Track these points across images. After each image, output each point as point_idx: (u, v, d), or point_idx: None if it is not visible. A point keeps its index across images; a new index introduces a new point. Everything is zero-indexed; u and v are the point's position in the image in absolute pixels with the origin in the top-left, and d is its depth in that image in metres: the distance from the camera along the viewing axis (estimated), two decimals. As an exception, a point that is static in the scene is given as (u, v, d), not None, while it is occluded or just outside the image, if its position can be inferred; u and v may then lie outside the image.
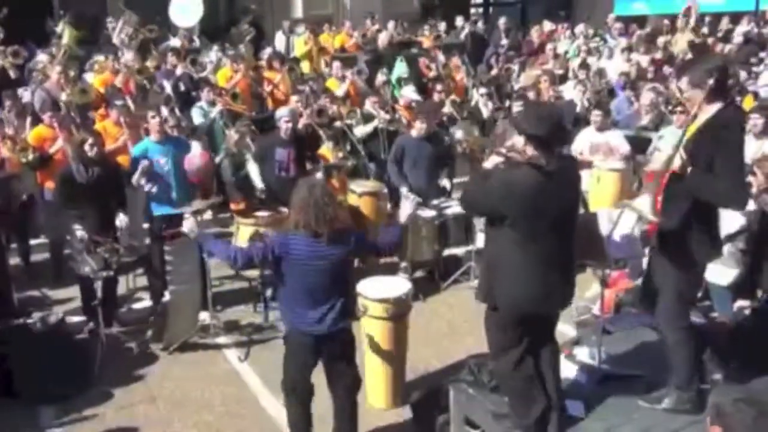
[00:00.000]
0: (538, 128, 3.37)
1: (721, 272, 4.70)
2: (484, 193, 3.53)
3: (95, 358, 5.21)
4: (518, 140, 3.47)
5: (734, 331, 4.45)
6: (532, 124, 3.40)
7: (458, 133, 6.47)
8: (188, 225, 4.23)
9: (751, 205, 4.70)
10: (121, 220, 5.81)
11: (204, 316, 5.78)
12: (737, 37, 13.11)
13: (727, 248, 4.74)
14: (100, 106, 7.94)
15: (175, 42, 10.95)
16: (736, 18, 14.03)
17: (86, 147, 5.65)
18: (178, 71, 9.34)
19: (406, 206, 4.27)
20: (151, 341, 5.65)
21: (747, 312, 4.60)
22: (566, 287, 3.56)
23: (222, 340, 5.73)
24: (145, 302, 6.33)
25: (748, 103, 8.39)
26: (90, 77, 8.99)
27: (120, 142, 6.89)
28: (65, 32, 9.70)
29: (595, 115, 7.49)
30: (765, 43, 12.87)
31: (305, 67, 11.13)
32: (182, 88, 9.13)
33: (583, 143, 7.53)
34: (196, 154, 6.18)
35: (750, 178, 4.70)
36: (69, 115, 7.40)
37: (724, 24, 13.93)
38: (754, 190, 4.71)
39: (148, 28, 10.44)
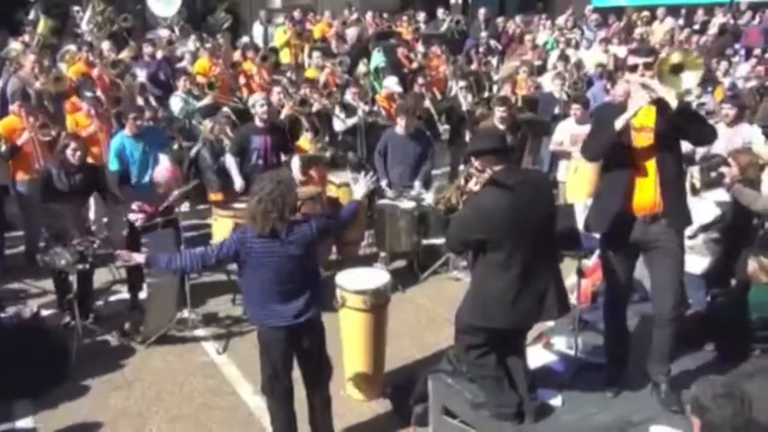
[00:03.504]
0: (482, 144, 3.57)
1: (695, 262, 4.77)
2: (459, 225, 3.62)
3: (71, 352, 5.16)
4: (476, 164, 3.57)
5: (708, 319, 4.51)
6: (477, 144, 3.62)
7: (429, 196, 6.56)
8: (128, 259, 4.15)
9: (726, 196, 4.77)
10: (93, 212, 5.76)
11: (182, 309, 5.73)
12: (712, 28, 13.27)
13: (701, 238, 4.82)
14: (72, 95, 7.82)
15: (162, 32, 10.83)
16: (710, 9, 14.19)
17: (68, 153, 5.53)
18: (159, 55, 9.24)
19: (361, 184, 4.34)
20: (128, 334, 5.60)
21: (720, 300, 4.66)
22: (546, 303, 3.54)
23: (200, 332, 5.70)
24: (123, 295, 6.27)
25: (718, 93, 8.51)
26: (62, 67, 8.84)
27: (86, 133, 6.77)
28: (40, 21, 9.54)
29: (575, 108, 7.55)
30: (740, 34, 13.05)
31: (284, 56, 11.06)
32: (162, 77, 9.04)
33: (563, 134, 7.59)
34: (163, 168, 6.13)
35: (724, 169, 4.76)
36: (40, 104, 7.29)
37: (700, 15, 14.09)
38: (727, 180, 4.78)
39: (122, 17, 10.30)
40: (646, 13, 13.68)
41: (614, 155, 3.58)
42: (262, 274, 3.69)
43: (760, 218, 5.04)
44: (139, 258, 4.09)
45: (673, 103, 3.41)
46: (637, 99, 3.47)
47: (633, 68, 3.61)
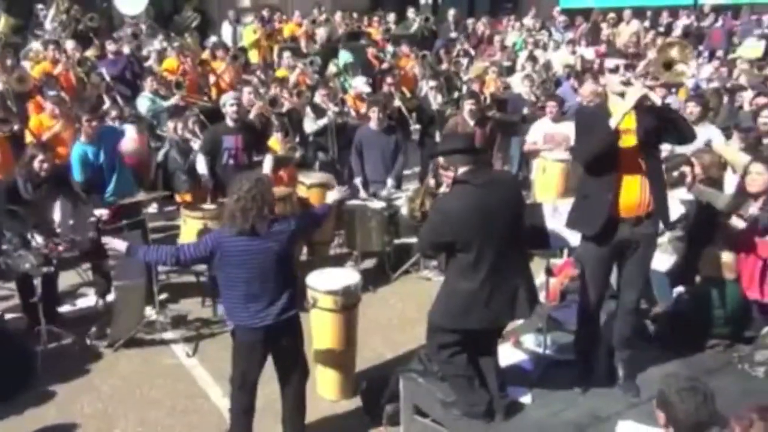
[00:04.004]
0: (450, 144, 3.63)
1: (660, 259, 4.85)
2: (429, 229, 3.65)
3: (36, 357, 5.06)
4: (443, 164, 3.61)
5: (673, 315, 4.60)
6: (445, 144, 3.71)
7: (403, 209, 6.61)
8: (113, 245, 4.10)
9: (690, 195, 4.87)
10: (59, 214, 5.63)
11: (150, 311, 5.67)
12: (677, 30, 13.54)
13: (666, 236, 4.90)
14: (36, 95, 7.68)
15: (129, 31, 10.68)
16: (675, 12, 14.48)
17: (36, 165, 5.38)
18: (126, 50, 9.13)
19: (335, 192, 4.42)
20: (95, 338, 5.51)
21: (685, 297, 4.75)
22: (517, 302, 3.58)
23: (169, 335, 5.63)
24: (90, 298, 6.17)
25: (682, 94, 8.68)
26: (26, 66, 8.69)
27: (50, 133, 6.64)
28: (1, 19, 9.35)
29: (551, 106, 7.65)
30: (703, 36, 13.34)
31: (253, 56, 10.99)
32: (128, 76, 8.92)
33: (537, 133, 7.69)
34: (130, 137, 6.03)
35: (685, 169, 4.86)
36: (3, 105, 7.14)
37: (665, 18, 14.36)
38: (688, 179, 4.88)
39: (89, 16, 10.15)
40: (612, 15, 13.90)
41: (599, 159, 3.61)
42: (242, 273, 3.68)
43: (723, 216, 5.14)
44: (121, 246, 4.02)
45: (658, 103, 3.48)
46: (631, 97, 3.50)
47: (614, 70, 3.65)
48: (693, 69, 3.81)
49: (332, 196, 4.38)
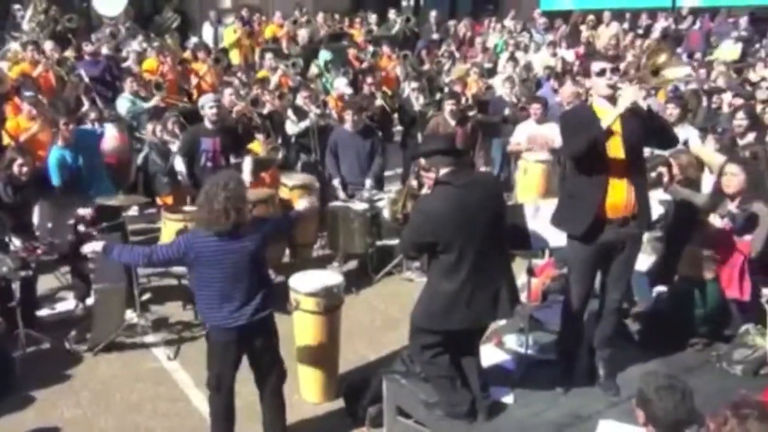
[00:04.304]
0: (430, 145, 3.65)
1: (640, 259, 4.89)
2: (410, 230, 3.66)
3: (15, 361, 4.98)
4: (424, 165, 3.62)
5: (653, 314, 4.65)
6: (425, 145, 3.73)
7: (385, 212, 6.63)
8: (88, 248, 4.08)
9: (668, 196, 4.92)
10: (38, 217, 5.57)
11: (131, 315, 5.62)
12: (655, 33, 13.69)
13: (645, 236, 4.95)
14: (14, 96, 7.58)
15: (108, 31, 10.59)
16: (654, 14, 14.63)
17: (15, 169, 5.31)
18: (104, 51, 9.05)
19: (304, 200, 4.44)
20: (74, 342, 5.45)
21: (664, 296, 4.80)
22: (499, 302, 3.60)
23: (150, 338, 5.58)
24: (69, 301, 6.11)
25: (661, 95, 8.78)
26: (4, 66, 8.58)
27: (28, 135, 6.56)
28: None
29: (535, 108, 7.70)
30: (681, 38, 13.50)
31: (235, 57, 10.95)
32: (108, 77, 8.84)
33: (521, 135, 7.73)
34: (111, 136, 5.98)
35: (662, 169, 4.92)
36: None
37: (644, 20, 14.51)
38: (665, 180, 4.94)
39: (67, 17, 10.05)
40: (591, 17, 14.03)
41: (588, 160, 3.63)
42: (215, 273, 3.68)
43: (701, 215, 5.20)
44: (97, 246, 4.01)
45: (645, 106, 3.51)
46: (624, 100, 3.51)
47: (601, 73, 3.67)
48: (684, 73, 3.84)
49: (302, 203, 4.40)
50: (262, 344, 3.88)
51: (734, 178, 4.52)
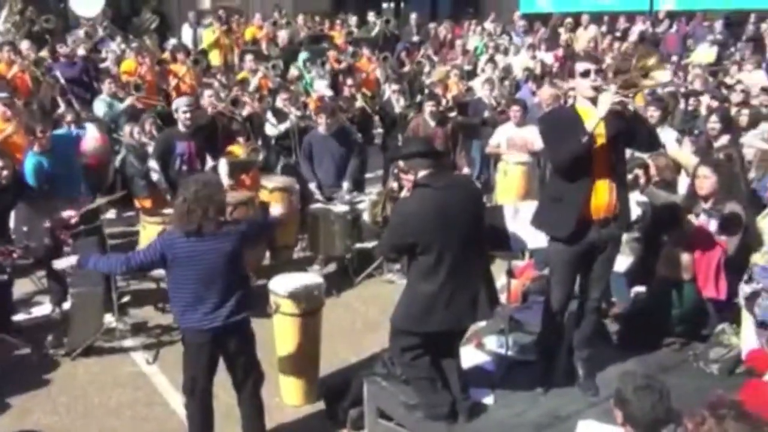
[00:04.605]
0: (409, 148, 3.67)
1: (618, 260, 4.94)
2: (389, 232, 3.68)
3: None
4: (403, 167, 3.64)
5: (631, 315, 4.69)
6: (404, 148, 3.76)
7: (365, 215, 6.66)
8: (62, 264, 4.08)
9: (644, 198, 4.98)
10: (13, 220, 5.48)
11: (109, 319, 5.56)
12: (632, 36, 13.84)
13: (623, 238, 5.00)
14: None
15: (81, 33, 10.47)
16: (631, 18, 14.79)
17: None
18: (81, 52, 8.95)
19: (279, 207, 4.46)
20: (51, 346, 5.38)
21: (642, 297, 4.85)
22: (479, 303, 3.62)
23: (129, 342, 5.52)
24: (45, 306, 6.02)
25: (639, 98, 8.86)
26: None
27: (2, 135, 6.46)
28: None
29: (515, 110, 7.74)
30: (659, 41, 13.65)
31: (214, 57, 10.89)
32: (85, 78, 8.75)
33: (501, 137, 7.77)
34: (91, 137, 5.90)
35: (638, 171, 4.97)
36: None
37: (621, 23, 14.66)
38: (641, 182, 5.00)
39: (44, 18, 9.94)
40: (569, 20, 14.16)
41: (572, 163, 3.66)
42: (190, 275, 3.67)
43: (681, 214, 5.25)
44: (72, 259, 4.01)
45: (631, 108, 3.54)
46: (603, 105, 3.54)
47: (585, 74, 3.69)
48: (668, 77, 3.90)
49: (276, 209, 4.42)
50: (238, 347, 3.86)
51: (706, 180, 4.59)
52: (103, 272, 4.19)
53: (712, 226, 4.55)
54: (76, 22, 11.12)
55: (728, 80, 10.07)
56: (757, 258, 4.38)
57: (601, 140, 3.67)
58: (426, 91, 9.49)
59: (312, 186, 6.96)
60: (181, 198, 3.69)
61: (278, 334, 4.67)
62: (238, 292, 3.77)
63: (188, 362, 3.88)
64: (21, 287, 6.03)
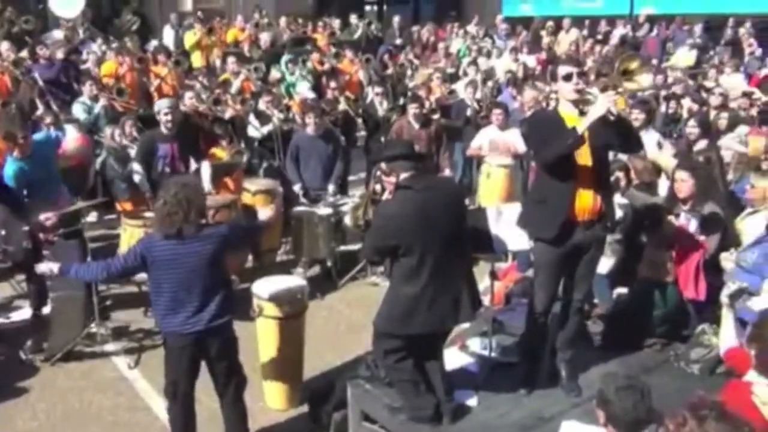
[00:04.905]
0: (391, 151, 3.67)
1: (600, 262, 4.98)
2: (372, 235, 3.67)
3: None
4: (385, 169, 3.64)
5: (613, 316, 4.73)
6: (386, 150, 3.73)
7: (346, 219, 6.65)
8: (43, 269, 4.03)
9: (625, 200, 5.02)
10: None
11: (90, 323, 5.49)
12: (613, 39, 13.96)
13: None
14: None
15: (57, 34, 10.35)
16: (612, 21, 14.92)
17: None
18: (59, 55, 8.85)
19: (266, 210, 4.42)
20: (30, 351, 5.31)
21: (624, 298, 4.89)
22: (461, 306, 3.62)
23: (110, 347, 5.48)
24: (25, 310, 5.94)
25: (620, 102, 8.94)
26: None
27: None
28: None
29: (497, 113, 7.77)
30: (639, 45, 13.78)
31: (196, 59, 10.83)
32: (64, 80, 8.66)
33: (483, 139, 7.80)
34: (71, 138, 5.85)
35: (618, 174, 5.02)
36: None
37: (602, 26, 14.79)
38: (622, 184, 5.04)
39: (24, 19, 9.83)
40: (550, 23, 14.27)
41: (558, 165, 3.68)
42: (170, 278, 3.64)
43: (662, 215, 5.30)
44: (53, 267, 3.97)
45: (615, 111, 3.57)
46: (599, 106, 3.54)
47: (568, 77, 3.72)
48: (650, 80, 3.94)
49: (264, 213, 4.38)
50: (219, 351, 3.83)
51: (683, 183, 4.64)
52: (84, 279, 4.14)
53: (693, 226, 4.60)
54: (55, 23, 10.99)
55: (707, 84, 10.20)
56: (725, 258, 4.46)
57: (585, 142, 3.70)
58: (409, 93, 9.51)
59: (296, 188, 6.93)
60: (161, 200, 3.67)
61: (261, 337, 4.65)
62: (220, 295, 3.75)
63: (169, 366, 3.85)
64: (0, 291, 5.95)
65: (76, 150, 5.79)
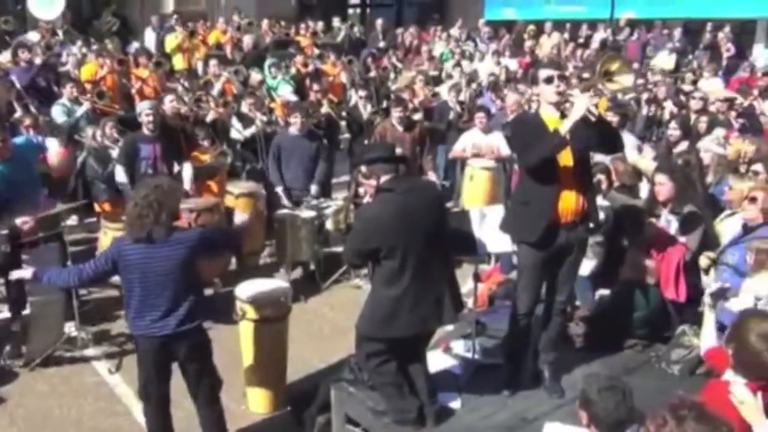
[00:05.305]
0: (371, 154, 3.67)
1: (582, 263, 5.01)
2: (353, 238, 3.67)
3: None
4: (365, 172, 3.63)
5: (595, 317, 4.76)
6: (366, 153, 3.73)
7: (328, 223, 6.64)
8: (18, 275, 3.99)
9: (607, 202, 5.07)
10: None
11: (70, 327, 5.43)
12: (595, 43, 14.09)
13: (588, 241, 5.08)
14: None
15: (32, 36, 10.24)
16: (593, 25, 15.06)
17: None
18: (38, 61, 8.75)
19: (241, 216, 4.38)
20: (9, 357, 5.23)
21: (606, 300, 4.92)
22: (443, 307, 3.64)
23: (90, 351, 5.41)
24: (3, 314, 5.86)
25: (602, 104, 9.02)
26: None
27: None
28: None
29: (479, 117, 7.80)
30: (620, 49, 13.90)
31: (178, 62, 10.77)
32: (42, 83, 8.56)
33: (466, 142, 7.83)
34: (54, 152, 5.78)
35: (600, 177, 5.06)
36: None
37: (584, 30, 14.91)
38: (603, 187, 5.08)
39: (3, 20, 9.72)
40: (532, 27, 14.37)
41: (541, 167, 3.69)
42: (140, 281, 3.61)
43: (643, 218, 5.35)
44: (26, 273, 3.93)
45: (595, 112, 3.59)
46: (578, 108, 3.56)
47: (549, 80, 3.73)
48: (631, 81, 3.96)
49: (238, 218, 4.36)
50: (189, 355, 3.79)
51: (662, 186, 4.70)
52: (58, 285, 4.08)
53: (673, 228, 4.65)
54: (35, 24, 10.87)
55: (685, 87, 10.32)
56: (703, 262, 4.51)
57: (568, 144, 3.72)
58: (392, 96, 9.53)
59: (278, 190, 6.91)
60: (132, 203, 3.64)
61: (244, 340, 4.63)
62: (189, 300, 3.70)
63: (141, 368, 3.84)
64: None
65: (60, 163, 5.73)
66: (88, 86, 8.41)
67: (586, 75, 8.58)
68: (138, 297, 3.65)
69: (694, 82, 10.53)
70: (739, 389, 2.68)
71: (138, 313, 3.68)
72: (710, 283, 3.75)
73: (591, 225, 3.92)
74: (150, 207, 3.56)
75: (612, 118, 6.69)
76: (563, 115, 3.67)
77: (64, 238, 5.43)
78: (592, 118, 3.58)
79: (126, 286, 3.70)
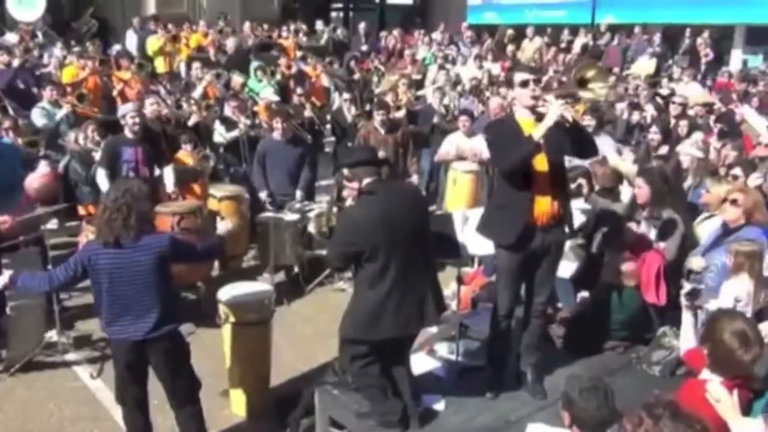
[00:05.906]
0: (353, 157, 3.70)
1: (563, 266, 5.05)
2: (336, 241, 3.69)
3: None
4: (347, 175, 3.65)
5: (576, 319, 4.80)
6: (348, 156, 3.76)
7: (310, 227, 6.63)
8: None
9: (588, 205, 5.12)
10: None
11: (51, 332, 5.38)
12: (576, 48, 14.23)
13: (568, 244, 5.12)
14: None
15: (11, 38, 10.13)
16: (575, 30, 15.20)
17: None
18: (16, 63, 8.67)
19: (224, 223, 4.32)
20: (-12, 362, 5.19)
21: (588, 302, 4.97)
22: (426, 309, 3.65)
23: (72, 356, 5.36)
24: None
25: (581, 108, 9.10)
26: None
27: None
28: None
29: (463, 120, 7.84)
30: (600, 54, 14.06)
31: (160, 65, 10.72)
32: (21, 86, 8.47)
33: (450, 145, 7.86)
34: (38, 174, 5.74)
35: (581, 181, 5.11)
36: None
37: (565, 35, 15.05)
38: (585, 190, 5.13)
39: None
40: (511, 31, 14.50)
41: (516, 171, 3.73)
42: (109, 286, 3.58)
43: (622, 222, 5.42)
44: (3, 278, 3.84)
45: (569, 118, 3.63)
46: (552, 114, 3.60)
47: (524, 84, 3.76)
48: (606, 90, 3.99)
49: (222, 227, 4.28)
50: (162, 359, 3.75)
51: (640, 190, 4.76)
52: (29, 291, 4.03)
53: (653, 232, 4.71)
54: (14, 26, 10.77)
55: (663, 91, 10.45)
56: (697, 264, 4.55)
57: (542, 149, 3.76)
58: (375, 99, 9.56)
59: (262, 195, 6.89)
60: (102, 206, 3.61)
61: (228, 344, 4.61)
62: (161, 305, 3.65)
63: (116, 374, 3.82)
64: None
65: (39, 187, 5.65)
66: (68, 89, 8.34)
67: (565, 79, 8.69)
68: (108, 301, 3.61)
69: (671, 88, 10.68)
70: (715, 387, 2.73)
71: (109, 318, 3.65)
72: (684, 283, 3.80)
73: (566, 229, 3.97)
74: (119, 211, 3.51)
75: (589, 122, 6.78)
76: (539, 119, 3.71)
77: (45, 242, 5.36)
78: (567, 124, 3.62)
79: (96, 291, 3.66)
